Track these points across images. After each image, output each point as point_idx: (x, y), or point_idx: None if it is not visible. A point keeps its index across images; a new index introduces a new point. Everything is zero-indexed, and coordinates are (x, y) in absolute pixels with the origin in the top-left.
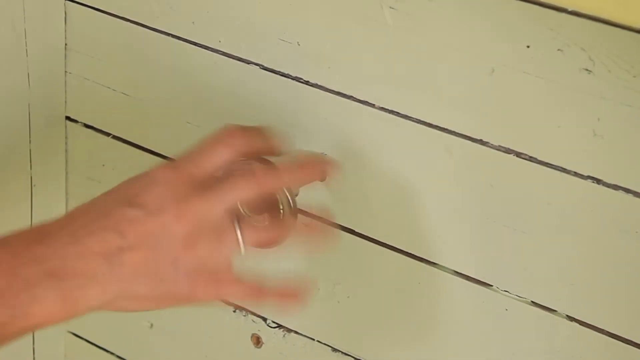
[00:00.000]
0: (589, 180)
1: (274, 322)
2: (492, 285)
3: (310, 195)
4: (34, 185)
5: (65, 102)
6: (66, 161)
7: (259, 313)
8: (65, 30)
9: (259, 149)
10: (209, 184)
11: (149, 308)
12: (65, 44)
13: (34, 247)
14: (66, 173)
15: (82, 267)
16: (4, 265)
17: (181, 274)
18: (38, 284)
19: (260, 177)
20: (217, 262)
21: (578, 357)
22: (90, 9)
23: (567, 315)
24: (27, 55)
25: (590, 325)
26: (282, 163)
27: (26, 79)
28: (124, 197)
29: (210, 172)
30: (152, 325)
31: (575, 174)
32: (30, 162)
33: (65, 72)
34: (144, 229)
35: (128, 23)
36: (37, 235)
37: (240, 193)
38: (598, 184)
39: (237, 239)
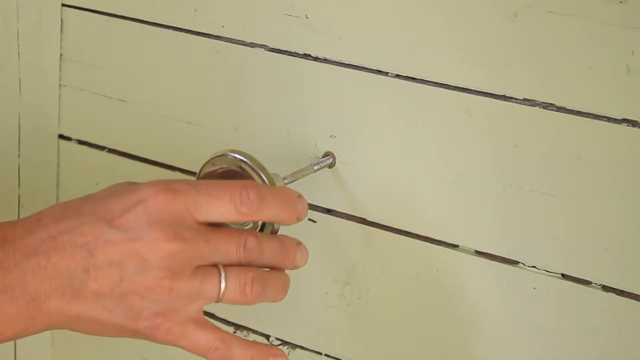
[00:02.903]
0: (624, 124)
1: (277, 338)
2: (518, 263)
3: (317, 183)
4: (22, 207)
5: (59, 119)
6: (57, 185)
7: (261, 330)
8: (61, 40)
9: (268, 220)
10: (203, 232)
11: (104, 334)
12: (61, 55)
13: None
14: (57, 199)
15: (39, 283)
16: None
17: (147, 309)
18: None
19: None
20: (188, 308)
21: (616, 333)
22: (88, 12)
23: (602, 286)
24: (19, 59)
25: (629, 293)
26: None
27: (17, 84)
28: (106, 213)
29: (207, 221)
30: None
31: (608, 119)
32: (19, 179)
33: (60, 85)
34: (118, 252)
35: (127, 21)
36: None
37: (230, 257)
38: (634, 127)
39: (219, 291)
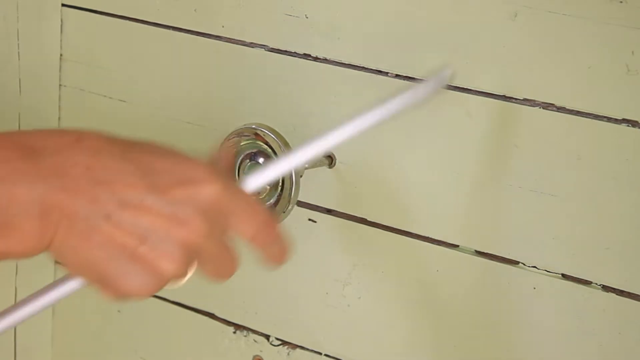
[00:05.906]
0: (624, 124)
1: (277, 338)
2: (518, 262)
3: (317, 183)
4: None
5: (59, 119)
6: None
7: (261, 330)
8: (61, 40)
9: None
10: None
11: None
12: (61, 55)
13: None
14: None
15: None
16: None
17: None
18: None
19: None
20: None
21: (616, 333)
22: (88, 12)
23: (602, 286)
24: (19, 59)
25: (629, 293)
26: None
27: (17, 84)
28: (152, 173)
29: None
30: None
31: (608, 119)
32: None
33: (60, 85)
34: (151, 222)
35: (127, 21)
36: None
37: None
38: (634, 127)
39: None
